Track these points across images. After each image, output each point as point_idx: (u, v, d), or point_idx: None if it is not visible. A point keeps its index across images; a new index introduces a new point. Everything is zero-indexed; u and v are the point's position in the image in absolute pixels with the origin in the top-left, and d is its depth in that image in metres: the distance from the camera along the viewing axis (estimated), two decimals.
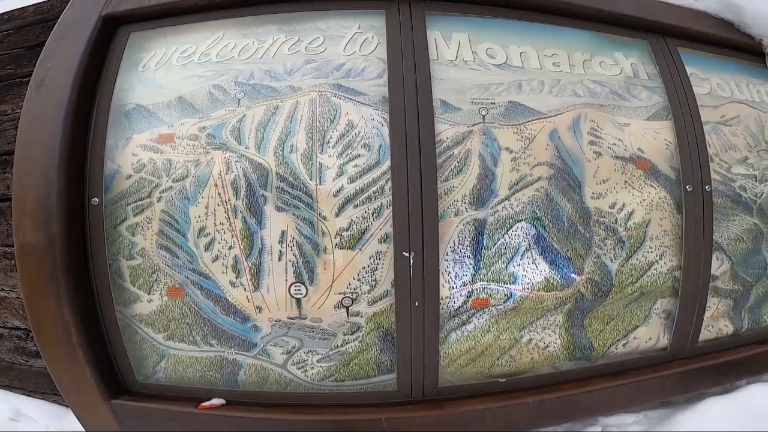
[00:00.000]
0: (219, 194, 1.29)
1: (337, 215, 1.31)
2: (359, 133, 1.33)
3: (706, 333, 1.59)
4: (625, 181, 1.47)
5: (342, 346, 1.35)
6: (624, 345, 1.50)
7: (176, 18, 1.39)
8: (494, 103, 1.41)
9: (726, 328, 1.63)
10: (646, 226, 1.47)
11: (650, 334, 1.52)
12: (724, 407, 1.57)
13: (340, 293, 1.32)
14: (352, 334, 1.34)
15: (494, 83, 1.43)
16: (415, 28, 1.42)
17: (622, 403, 1.51)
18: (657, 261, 1.48)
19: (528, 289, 1.39)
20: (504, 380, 1.42)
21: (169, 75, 1.37)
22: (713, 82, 1.67)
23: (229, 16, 1.42)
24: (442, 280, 1.34)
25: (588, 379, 1.47)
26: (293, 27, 1.43)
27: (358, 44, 1.42)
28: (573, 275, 1.42)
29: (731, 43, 1.71)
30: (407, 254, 1.30)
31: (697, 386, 1.57)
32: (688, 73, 1.62)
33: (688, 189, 1.50)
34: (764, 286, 1.68)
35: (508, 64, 1.47)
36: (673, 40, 1.64)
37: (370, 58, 1.40)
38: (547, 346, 1.44)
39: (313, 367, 1.36)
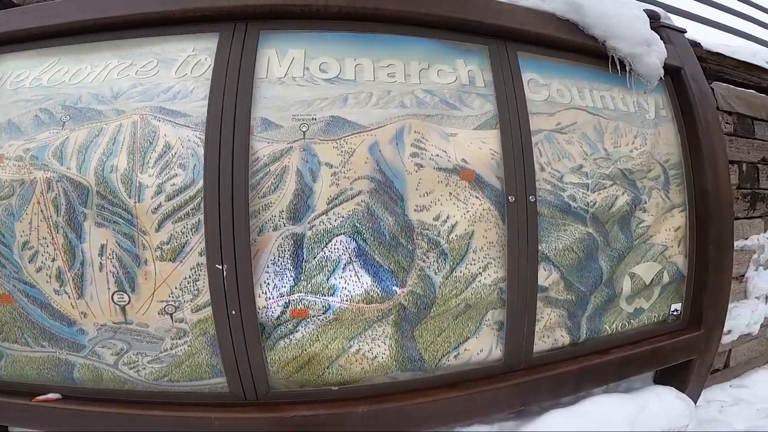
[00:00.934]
0: (41, 211, 1.38)
1: (157, 230, 1.37)
2: (176, 153, 1.38)
3: (541, 344, 1.57)
4: (450, 193, 1.46)
5: (171, 349, 1.41)
6: (456, 357, 1.50)
7: (11, 46, 1.48)
8: (315, 119, 1.42)
9: (563, 338, 1.61)
10: (470, 237, 1.47)
11: (482, 346, 1.52)
12: (566, 416, 1.58)
13: (162, 301, 1.38)
14: (179, 339, 1.41)
15: (318, 98, 1.44)
16: (246, 48, 1.44)
17: (456, 416, 1.50)
18: (481, 273, 1.48)
19: (347, 300, 1.42)
20: (336, 388, 1.45)
21: (2, 99, 1.45)
22: (553, 88, 1.62)
23: (64, 44, 1.48)
24: (258, 291, 1.39)
25: (421, 390, 1.47)
26: (128, 52, 1.48)
27: (191, 66, 1.45)
28: (395, 288, 1.44)
29: (575, 46, 1.64)
30: (220, 266, 1.36)
31: (534, 398, 1.55)
32: (527, 79, 1.57)
33: (511, 200, 1.48)
34: (603, 295, 1.64)
35: (340, 78, 1.47)
36: (514, 44, 1.58)
37: (200, 80, 1.43)
38: (376, 356, 1.46)
39: (144, 368, 1.42)
